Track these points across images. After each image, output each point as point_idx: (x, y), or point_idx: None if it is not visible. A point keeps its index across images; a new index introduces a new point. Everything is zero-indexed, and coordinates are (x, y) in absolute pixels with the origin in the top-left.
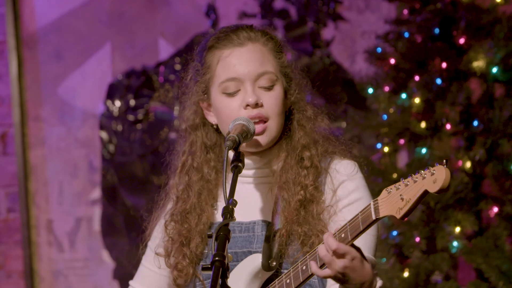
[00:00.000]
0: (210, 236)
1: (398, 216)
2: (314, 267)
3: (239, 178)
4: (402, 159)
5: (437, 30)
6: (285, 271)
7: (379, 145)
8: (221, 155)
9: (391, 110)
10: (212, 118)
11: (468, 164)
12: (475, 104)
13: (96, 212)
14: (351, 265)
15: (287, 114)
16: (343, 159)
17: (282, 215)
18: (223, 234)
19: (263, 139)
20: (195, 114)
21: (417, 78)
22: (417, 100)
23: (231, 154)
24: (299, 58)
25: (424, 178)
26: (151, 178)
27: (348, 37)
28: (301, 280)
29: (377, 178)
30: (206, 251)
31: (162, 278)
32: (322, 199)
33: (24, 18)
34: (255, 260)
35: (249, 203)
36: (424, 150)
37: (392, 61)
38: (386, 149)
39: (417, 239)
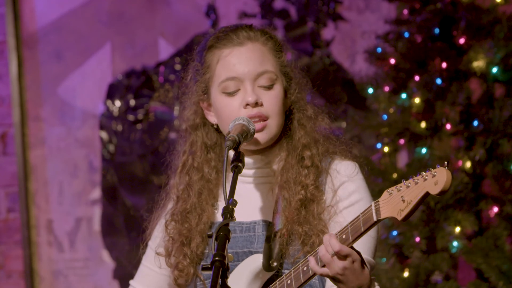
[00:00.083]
0: (210, 236)
1: (399, 218)
2: (312, 262)
3: (239, 178)
4: (402, 159)
5: (437, 30)
6: (286, 271)
7: (379, 145)
8: (222, 155)
9: (391, 110)
10: (212, 118)
11: (468, 164)
12: (475, 104)
13: (96, 212)
14: (351, 267)
15: (288, 114)
16: (344, 160)
17: (283, 214)
18: (223, 234)
19: (262, 137)
20: (195, 114)
21: (417, 78)
22: (417, 100)
23: (231, 154)
24: (299, 58)
25: (425, 179)
26: (151, 178)
27: (348, 37)
28: (302, 281)
29: (377, 178)
30: (207, 251)
31: (163, 277)
32: (323, 199)
33: (24, 18)
34: (256, 261)
35: (250, 203)
36: (424, 150)
37: (392, 61)
38: (386, 149)
39: (417, 239)
